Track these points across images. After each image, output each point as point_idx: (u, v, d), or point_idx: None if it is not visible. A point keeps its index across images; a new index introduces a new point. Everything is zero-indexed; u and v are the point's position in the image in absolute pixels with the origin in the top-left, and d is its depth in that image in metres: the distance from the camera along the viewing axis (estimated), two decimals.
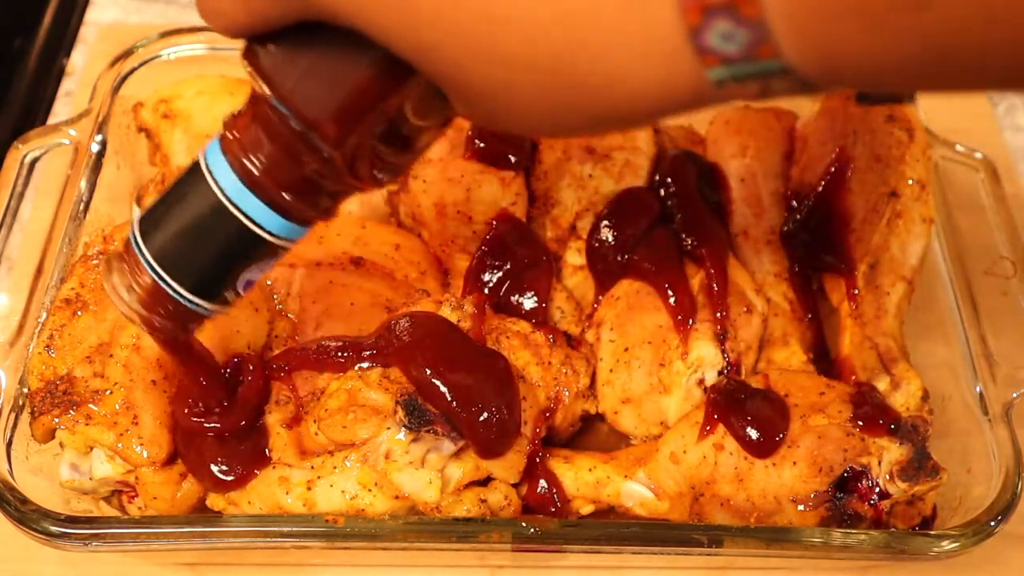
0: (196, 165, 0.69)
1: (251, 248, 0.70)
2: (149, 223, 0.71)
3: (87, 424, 0.89)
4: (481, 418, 0.87)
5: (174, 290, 0.71)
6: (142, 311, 0.73)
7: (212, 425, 0.89)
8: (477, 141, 1.06)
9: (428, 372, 0.87)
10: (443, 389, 0.86)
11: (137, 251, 0.71)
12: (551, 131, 0.64)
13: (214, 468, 0.89)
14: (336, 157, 0.65)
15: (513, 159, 1.06)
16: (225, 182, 0.67)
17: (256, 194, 0.67)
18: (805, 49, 0.49)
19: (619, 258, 1.03)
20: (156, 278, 0.71)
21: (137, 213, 0.73)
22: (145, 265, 0.71)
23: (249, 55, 0.64)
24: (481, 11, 0.54)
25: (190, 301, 0.72)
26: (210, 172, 0.68)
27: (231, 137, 0.67)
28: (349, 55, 0.62)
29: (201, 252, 0.71)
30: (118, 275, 0.73)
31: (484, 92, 0.58)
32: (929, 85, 0.50)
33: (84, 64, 1.37)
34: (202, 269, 0.71)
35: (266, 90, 0.64)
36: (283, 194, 0.67)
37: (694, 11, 0.50)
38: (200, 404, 0.89)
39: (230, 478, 0.89)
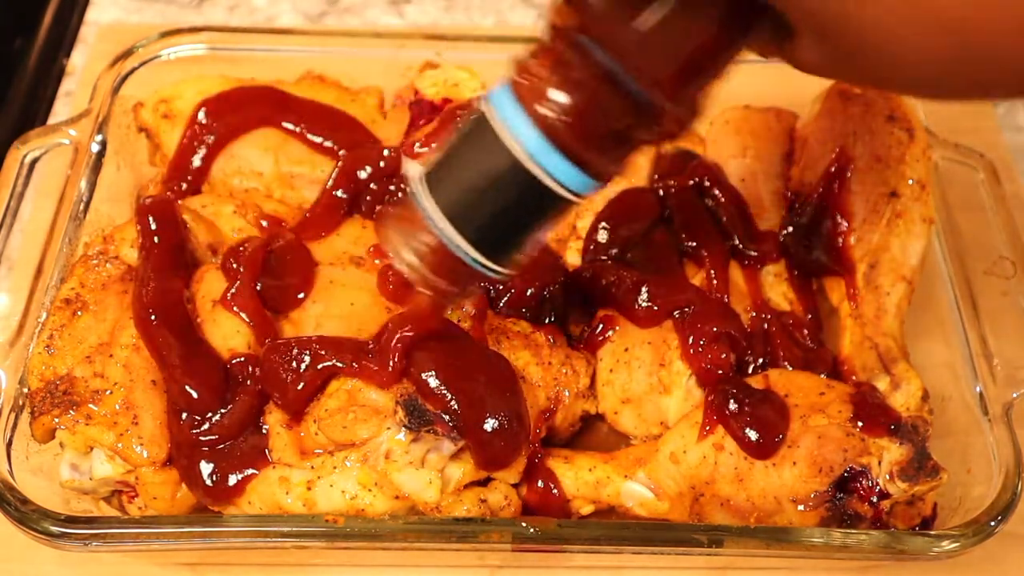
0: (481, 116, 0.65)
1: (546, 205, 0.66)
2: (434, 180, 0.67)
3: (87, 424, 0.89)
4: (487, 427, 0.87)
5: (462, 250, 0.67)
6: (425, 271, 0.69)
7: (208, 438, 0.89)
8: None
9: (433, 375, 0.87)
10: (449, 395, 0.87)
11: (423, 209, 0.67)
12: (928, 93, 0.59)
13: (207, 480, 0.89)
14: (667, 111, 0.62)
15: None
16: (523, 136, 0.63)
17: (558, 149, 0.63)
18: None
19: (618, 258, 1.04)
20: (444, 237, 0.67)
21: (416, 169, 0.68)
22: (432, 224, 0.67)
23: (577, 5, 0.61)
24: None
25: (478, 262, 0.68)
26: (505, 125, 0.64)
27: (530, 88, 0.63)
28: (691, 7, 0.59)
29: (492, 210, 0.66)
30: (399, 233, 0.69)
31: (874, 46, 0.54)
32: None
33: (84, 64, 1.37)
34: (493, 228, 0.67)
35: (591, 45, 0.60)
36: (587, 148, 0.63)
37: None
38: (195, 415, 0.90)
39: (223, 489, 0.89)
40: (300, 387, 0.90)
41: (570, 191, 0.65)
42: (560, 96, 0.62)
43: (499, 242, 0.69)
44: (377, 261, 1.02)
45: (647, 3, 0.60)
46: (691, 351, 0.95)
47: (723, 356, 0.94)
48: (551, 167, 0.64)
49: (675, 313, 0.98)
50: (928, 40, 0.53)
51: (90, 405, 0.89)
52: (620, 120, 0.63)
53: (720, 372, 0.94)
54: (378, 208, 1.00)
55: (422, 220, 0.67)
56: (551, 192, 0.65)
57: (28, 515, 0.84)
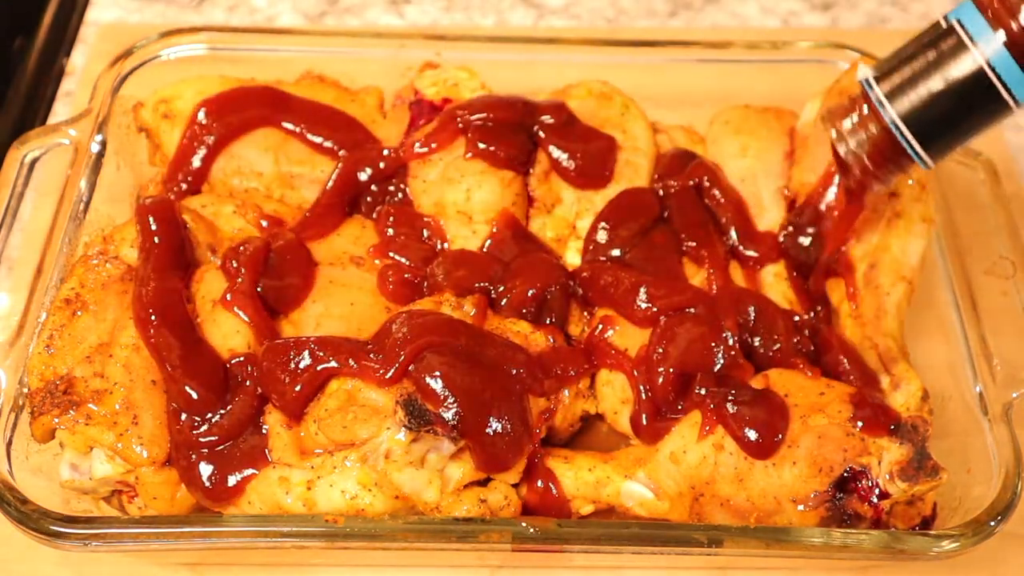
0: (945, 30, 0.74)
1: (992, 113, 0.76)
2: (890, 80, 0.78)
3: (87, 424, 0.89)
4: (489, 429, 0.87)
5: (911, 146, 0.78)
6: (863, 155, 0.81)
7: (208, 439, 0.89)
8: (478, 142, 1.06)
9: (434, 375, 0.87)
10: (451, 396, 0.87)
11: (880, 102, 0.78)
12: None
13: (206, 482, 0.89)
14: None
15: (513, 160, 1.06)
16: (989, 47, 0.72)
17: (1021, 63, 0.71)
18: None
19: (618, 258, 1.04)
20: (897, 133, 0.78)
21: (868, 70, 0.81)
22: (887, 114, 0.78)
23: None
24: None
25: (919, 156, 0.79)
26: (969, 36, 0.73)
27: (1002, 4, 0.71)
28: None
29: (944, 112, 0.77)
30: (849, 124, 0.81)
31: None
32: None
33: (84, 64, 1.37)
34: (941, 127, 0.78)
35: None
36: None
37: None
38: (194, 415, 0.90)
39: (222, 490, 0.89)
40: (298, 389, 0.90)
41: (1019, 103, 0.75)
42: None
43: (940, 140, 0.79)
44: (377, 261, 1.02)
45: None
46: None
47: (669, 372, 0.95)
48: (1011, 80, 0.73)
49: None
50: None
51: (90, 405, 0.89)
52: None
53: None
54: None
55: (873, 111, 0.79)
56: (1003, 102, 0.75)
57: (28, 515, 0.84)
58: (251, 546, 0.87)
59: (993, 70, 0.73)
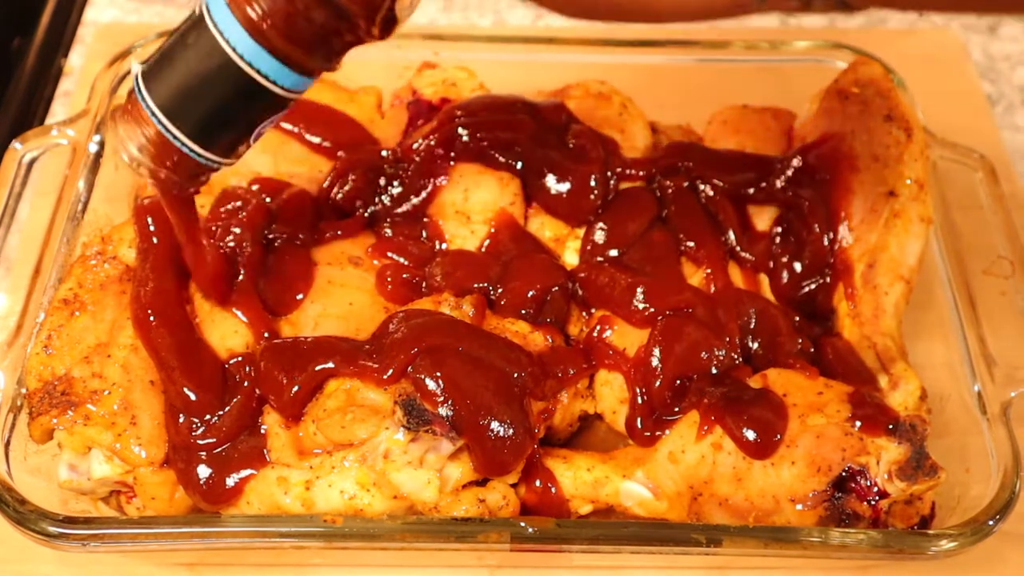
0: (198, 16, 0.70)
1: (259, 100, 0.71)
2: (153, 75, 0.72)
3: (85, 424, 0.89)
4: (490, 431, 0.87)
5: (180, 141, 0.72)
6: (149, 163, 0.74)
7: (206, 441, 0.89)
8: (475, 142, 1.06)
9: (433, 375, 0.87)
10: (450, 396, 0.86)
11: (142, 102, 0.72)
12: (571, 14, 0.64)
13: (204, 484, 0.89)
14: (360, 17, 0.67)
15: (511, 160, 1.06)
16: (231, 34, 0.68)
17: (264, 47, 0.68)
18: None
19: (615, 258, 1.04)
20: (162, 128, 0.72)
21: (138, 67, 0.74)
22: (151, 116, 0.72)
23: None
24: None
25: (197, 153, 0.73)
26: (215, 24, 0.69)
27: None
28: None
29: (208, 103, 0.71)
30: (124, 127, 0.74)
31: None
32: None
33: (82, 64, 1.37)
34: (209, 120, 0.72)
35: None
36: (293, 49, 0.68)
37: None
38: (193, 416, 0.89)
39: (220, 492, 0.89)
40: (295, 390, 0.90)
41: (282, 87, 0.71)
42: (264, 1, 0.67)
43: (217, 135, 0.74)
44: (375, 261, 1.02)
45: None
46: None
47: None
48: (261, 66, 0.69)
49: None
50: None
51: (88, 405, 0.89)
52: (320, 23, 0.68)
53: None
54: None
55: (145, 115, 0.72)
56: (264, 89, 0.70)
57: (26, 515, 0.84)
58: (250, 546, 0.87)
59: (240, 55, 0.69)
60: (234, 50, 0.68)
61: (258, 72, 0.69)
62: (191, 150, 0.73)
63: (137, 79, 0.73)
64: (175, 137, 0.72)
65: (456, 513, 0.88)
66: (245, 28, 0.68)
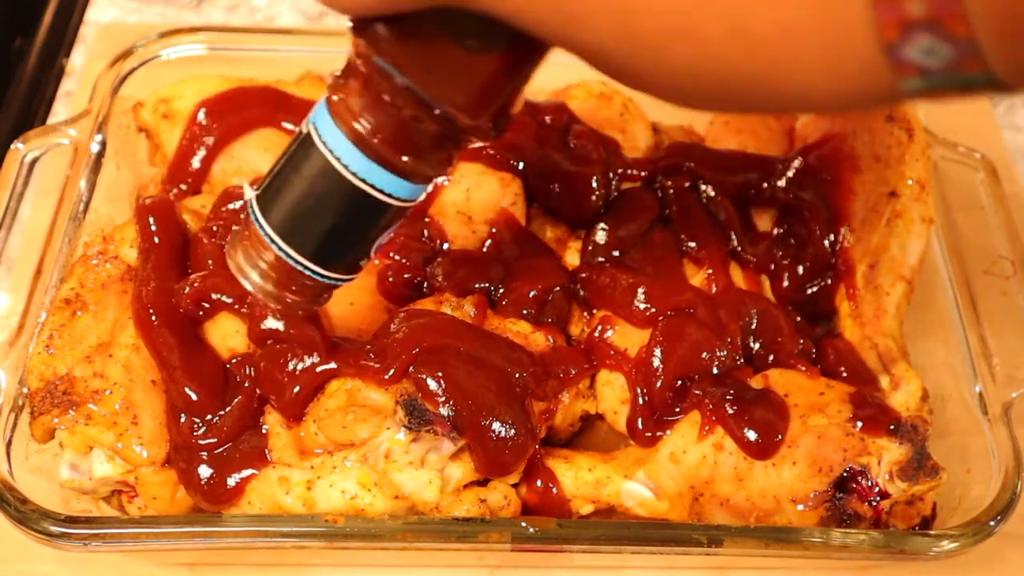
0: (306, 136, 0.68)
1: (376, 214, 0.70)
2: (267, 199, 0.70)
3: (87, 424, 0.89)
4: (491, 432, 0.87)
5: (301, 264, 0.71)
6: (272, 289, 0.72)
7: (207, 441, 0.89)
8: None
9: (434, 375, 0.87)
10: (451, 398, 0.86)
11: (259, 228, 0.70)
12: (701, 107, 0.63)
13: (205, 485, 0.89)
14: (469, 126, 0.65)
15: (513, 160, 1.06)
16: (341, 151, 0.67)
17: (376, 161, 0.67)
18: (1013, 60, 0.50)
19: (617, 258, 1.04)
20: (281, 253, 0.70)
21: (251, 191, 0.73)
22: (269, 242, 0.70)
23: (367, 35, 0.63)
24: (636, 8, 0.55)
25: (318, 273, 0.72)
26: (324, 143, 0.67)
27: (343, 106, 0.66)
28: (480, 37, 0.63)
29: (325, 224, 0.70)
30: (243, 254, 0.72)
31: (631, 72, 0.60)
32: None
33: (84, 64, 1.37)
34: (328, 239, 0.70)
35: (392, 70, 0.63)
36: (404, 158, 0.67)
37: (893, 27, 0.51)
38: (194, 417, 0.89)
39: (221, 492, 0.89)
40: (296, 390, 0.90)
41: (396, 198, 0.69)
42: (371, 115, 0.66)
43: (336, 253, 0.72)
44: (376, 261, 1.02)
45: (434, 35, 0.63)
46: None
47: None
48: (374, 180, 0.67)
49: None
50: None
51: (90, 405, 0.89)
52: (431, 134, 0.66)
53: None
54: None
55: (263, 240, 0.71)
56: (380, 203, 0.69)
57: (28, 515, 0.84)
58: (251, 546, 0.87)
59: (351, 170, 0.67)
60: (346, 167, 0.67)
61: (372, 187, 0.67)
62: (312, 271, 0.71)
63: (251, 204, 0.71)
64: (295, 261, 0.70)
65: (457, 513, 0.88)
66: (354, 144, 0.66)
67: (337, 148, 0.67)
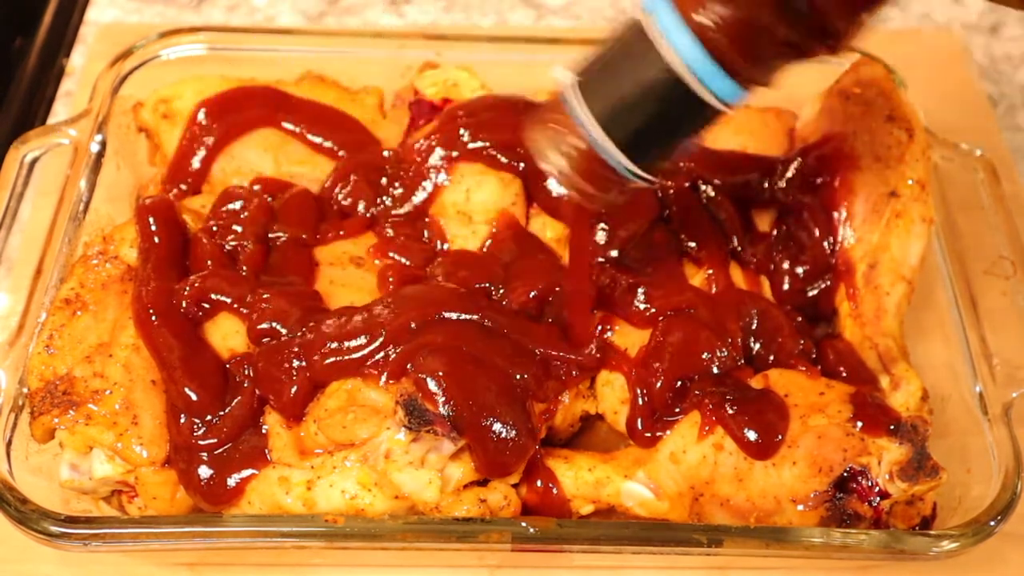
0: (638, 27, 0.67)
1: (697, 115, 0.69)
2: (587, 85, 0.70)
3: (87, 424, 0.89)
4: (491, 432, 0.87)
5: (610, 154, 0.70)
6: (571, 174, 0.72)
7: (207, 442, 0.89)
8: (476, 142, 1.06)
9: (434, 375, 0.87)
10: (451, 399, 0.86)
11: (575, 114, 0.69)
12: None
13: (205, 485, 0.89)
14: (827, 20, 0.64)
15: (512, 160, 1.06)
16: (680, 45, 0.65)
17: (715, 59, 0.65)
18: None
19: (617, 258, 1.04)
20: (594, 143, 0.70)
21: (568, 76, 0.71)
22: (585, 128, 0.69)
23: None
24: None
25: (625, 168, 0.71)
26: (663, 34, 0.66)
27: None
28: None
29: (644, 117, 0.69)
30: (545, 135, 0.72)
31: None
32: None
33: (84, 64, 1.37)
34: (643, 135, 0.70)
35: None
36: (743, 59, 0.66)
37: None
38: (194, 417, 0.89)
39: (221, 492, 0.89)
40: (294, 391, 0.90)
41: (722, 101, 0.68)
42: (719, 6, 0.64)
43: (647, 149, 0.71)
44: (377, 262, 1.02)
45: None
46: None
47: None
48: (707, 78, 0.66)
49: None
50: None
51: (90, 405, 0.89)
52: (777, 30, 0.65)
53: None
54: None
55: (572, 124, 0.70)
56: (704, 102, 0.67)
57: (28, 515, 0.84)
58: (251, 546, 0.87)
59: (688, 66, 0.66)
60: (680, 60, 0.66)
61: (701, 83, 0.66)
62: (619, 163, 0.70)
63: (571, 88, 0.70)
64: (606, 149, 0.70)
65: (457, 513, 0.88)
66: (697, 36, 0.65)
67: (674, 40, 0.66)
